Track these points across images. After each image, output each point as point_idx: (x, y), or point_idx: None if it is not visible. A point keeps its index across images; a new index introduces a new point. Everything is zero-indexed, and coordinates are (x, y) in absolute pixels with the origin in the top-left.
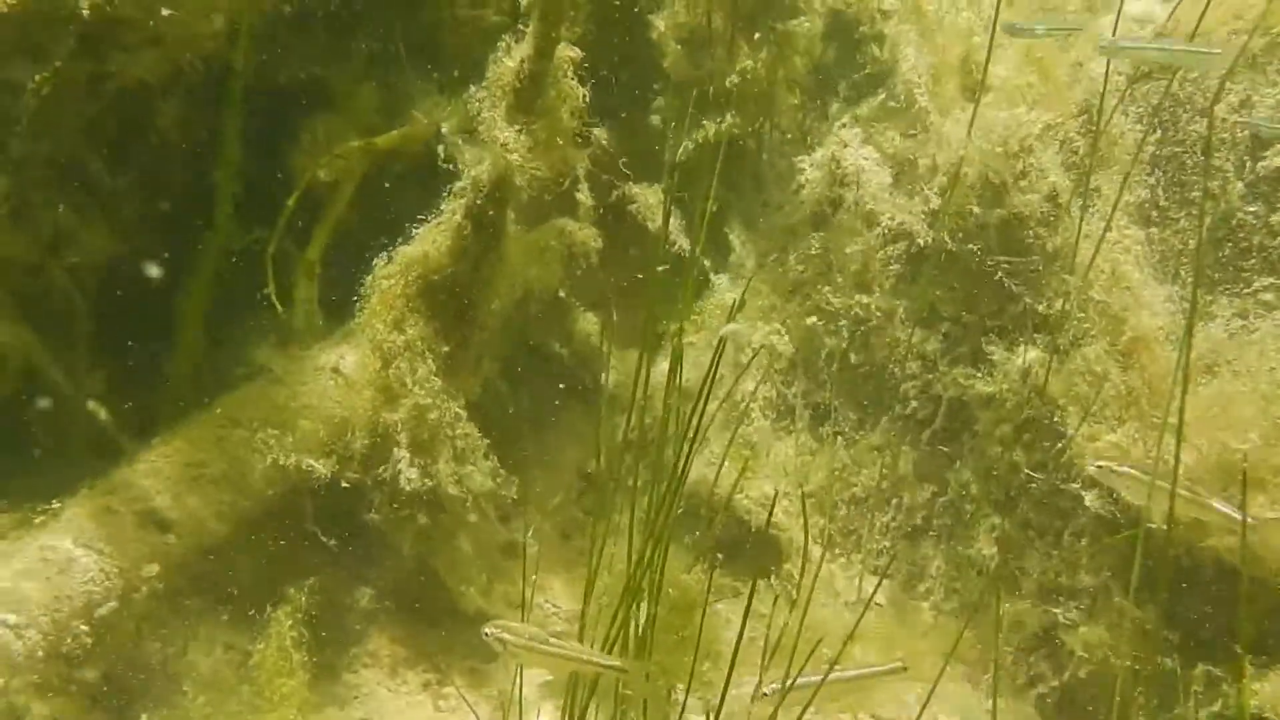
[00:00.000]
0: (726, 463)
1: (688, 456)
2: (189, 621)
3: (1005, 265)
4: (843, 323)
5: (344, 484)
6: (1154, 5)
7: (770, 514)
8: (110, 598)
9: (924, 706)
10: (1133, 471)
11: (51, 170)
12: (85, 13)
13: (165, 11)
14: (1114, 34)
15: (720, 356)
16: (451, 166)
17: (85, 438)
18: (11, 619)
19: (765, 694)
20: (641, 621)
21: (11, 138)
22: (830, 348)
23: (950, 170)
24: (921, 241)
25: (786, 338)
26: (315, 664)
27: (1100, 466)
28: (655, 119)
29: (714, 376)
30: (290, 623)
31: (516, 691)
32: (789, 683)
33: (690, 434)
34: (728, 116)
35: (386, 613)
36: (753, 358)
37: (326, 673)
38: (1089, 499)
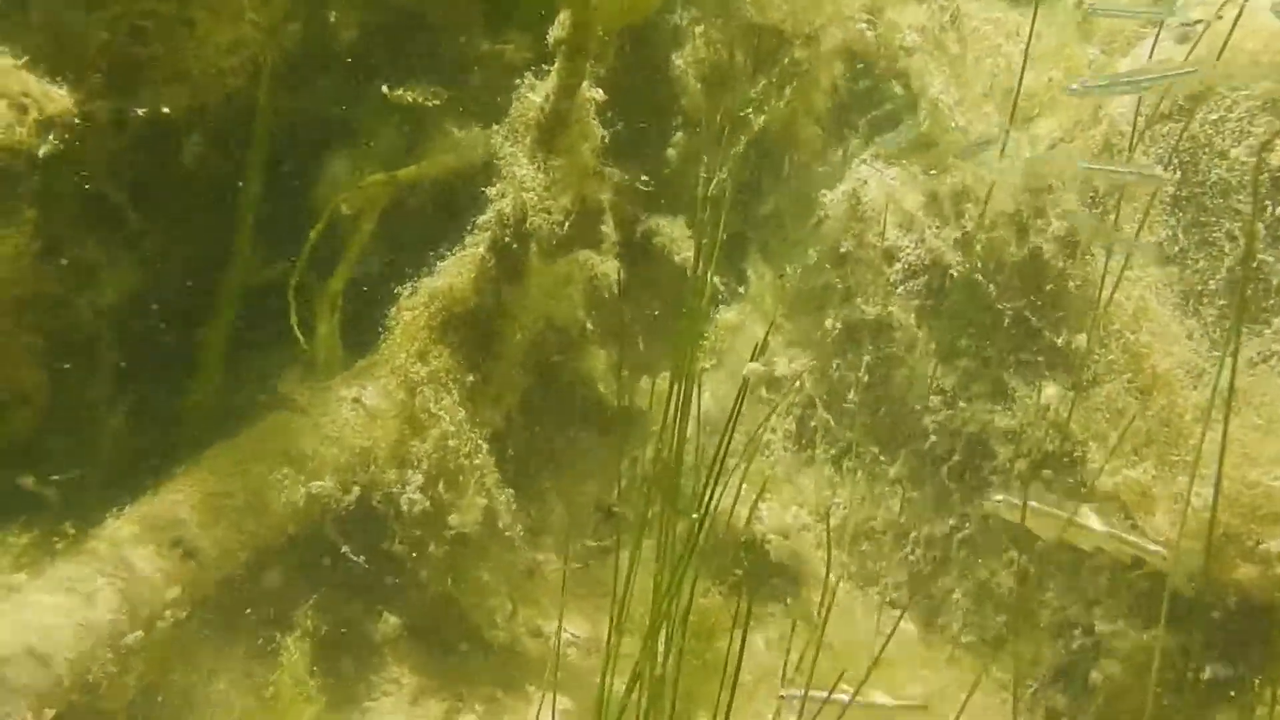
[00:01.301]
0: (746, 493)
1: (711, 492)
2: (212, 650)
3: (1027, 300)
4: (864, 357)
5: (365, 514)
6: (1171, 48)
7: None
8: (135, 627)
9: None
10: (1037, 505)
11: (77, 205)
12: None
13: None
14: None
15: (744, 395)
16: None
17: (108, 468)
18: (38, 648)
19: (782, 696)
20: (666, 651)
21: (38, 172)
22: (850, 381)
23: (979, 200)
24: (954, 272)
25: (809, 367)
26: (335, 691)
27: (1000, 501)
28: (672, 153)
29: (737, 414)
30: (305, 650)
31: None
32: (807, 692)
33: (714, 467)
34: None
35: (407, 641)
36: (782, 397)
37: (347, 700)
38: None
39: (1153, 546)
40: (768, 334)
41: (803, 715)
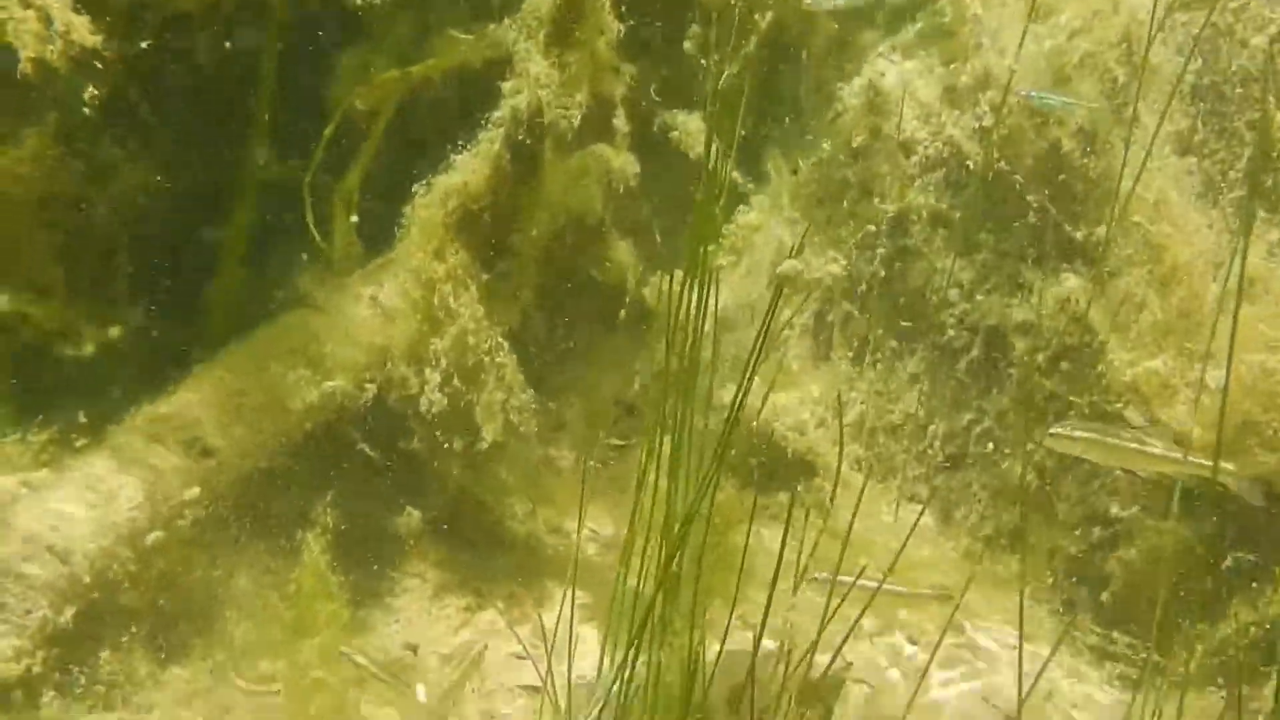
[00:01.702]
0: (763, 389)
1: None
2: (233, 548)
3: (1045, 192)
4: (881, 251)
5: (384, 412)
6: None
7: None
8: (155, 525)
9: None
10: (1088, 435)
11: (95, 106)
12: None
13: None
14: None
15: (779, 298)
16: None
17: (126, 367)
18: (59, 546)
19: (815, 578)
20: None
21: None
22: (868, 276)
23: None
24: (971, 164)
25: (840, 263)
26: (355, 588)
27: (1060, 431)
28: (689, 46)
29: (771, 318)
30: (327, 547)
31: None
32: (835, 576)
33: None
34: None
35: (428, 538)
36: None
37: (368, 597)
38: (1129, 417)
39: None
40: (804, 235)
41: (830, 596)
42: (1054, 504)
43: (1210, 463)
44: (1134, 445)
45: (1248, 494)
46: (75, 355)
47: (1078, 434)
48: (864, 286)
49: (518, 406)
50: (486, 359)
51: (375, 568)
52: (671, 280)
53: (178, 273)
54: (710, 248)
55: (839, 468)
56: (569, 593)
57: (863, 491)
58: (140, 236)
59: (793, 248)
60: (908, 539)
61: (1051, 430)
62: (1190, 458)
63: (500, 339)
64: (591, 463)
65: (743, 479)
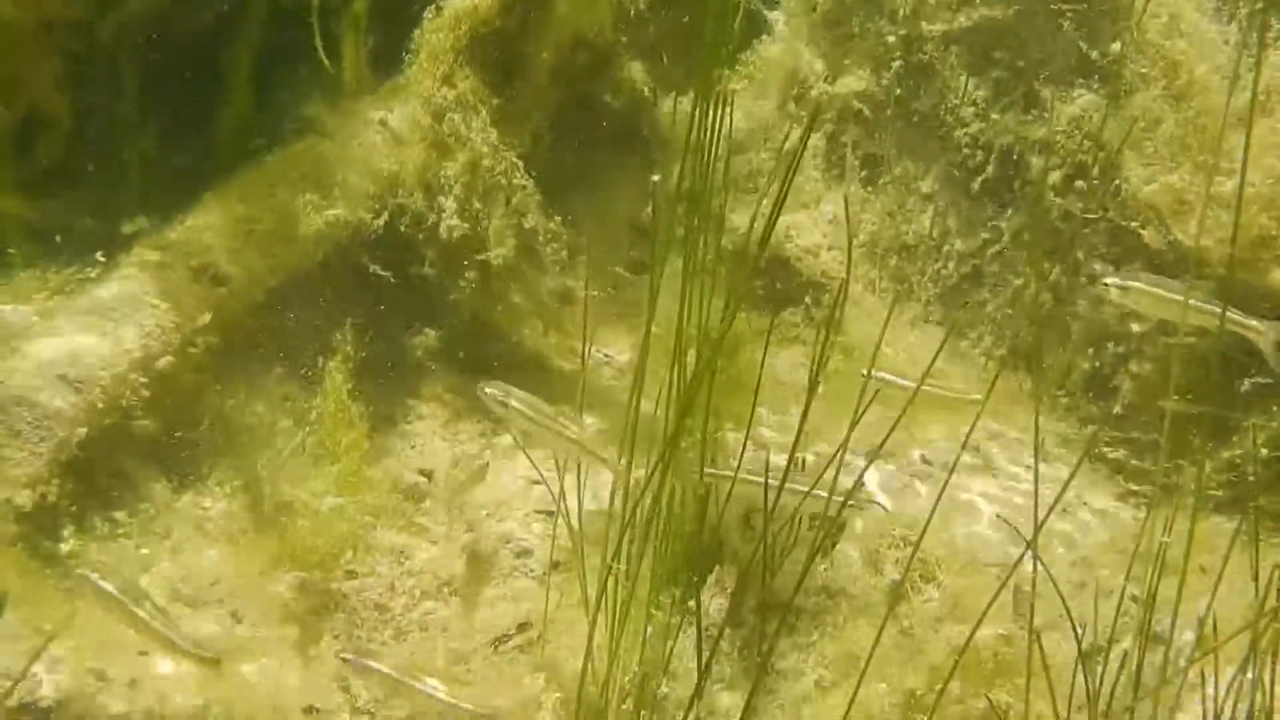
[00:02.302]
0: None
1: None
2: (248, 375)
3: (1061, 7)
4: (895, 66)
5: (396, 239)
6: None
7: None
8: (167, 352)
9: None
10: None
11: None
12: None
13: None
14: None
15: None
16: None
17: (136, 195)
18: (71, 374)
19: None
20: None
21: None
22: (881, 95)
23: None
24: None
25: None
26: (372, 415)
27: (1110, 282)
28: None
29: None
30: (345, 375)
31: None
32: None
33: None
34: None
35: (442, 364)
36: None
37: (384, 423)
38: (1146, 236)
39: (1255, 323)
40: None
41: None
42: (1069, 323)
43: (1250, 319)
44: (1177, 298)
45: (1273, 360)
46: (84, 184)
47: (1130, 284)
48: (878, 107)
49: (532, 230)
50: (502, 180)
51: (391, 394)
52: (678, 102)
53: (187, 100)
54: (724, 70)
55: (845, 282)
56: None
57: (890, 315)
58: (148, 62)
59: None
60: (937, 355)
61: (1104, 280)
62: (1236, 314)
63: (515, 160)
64: (596, 292)
65: (754, 302)
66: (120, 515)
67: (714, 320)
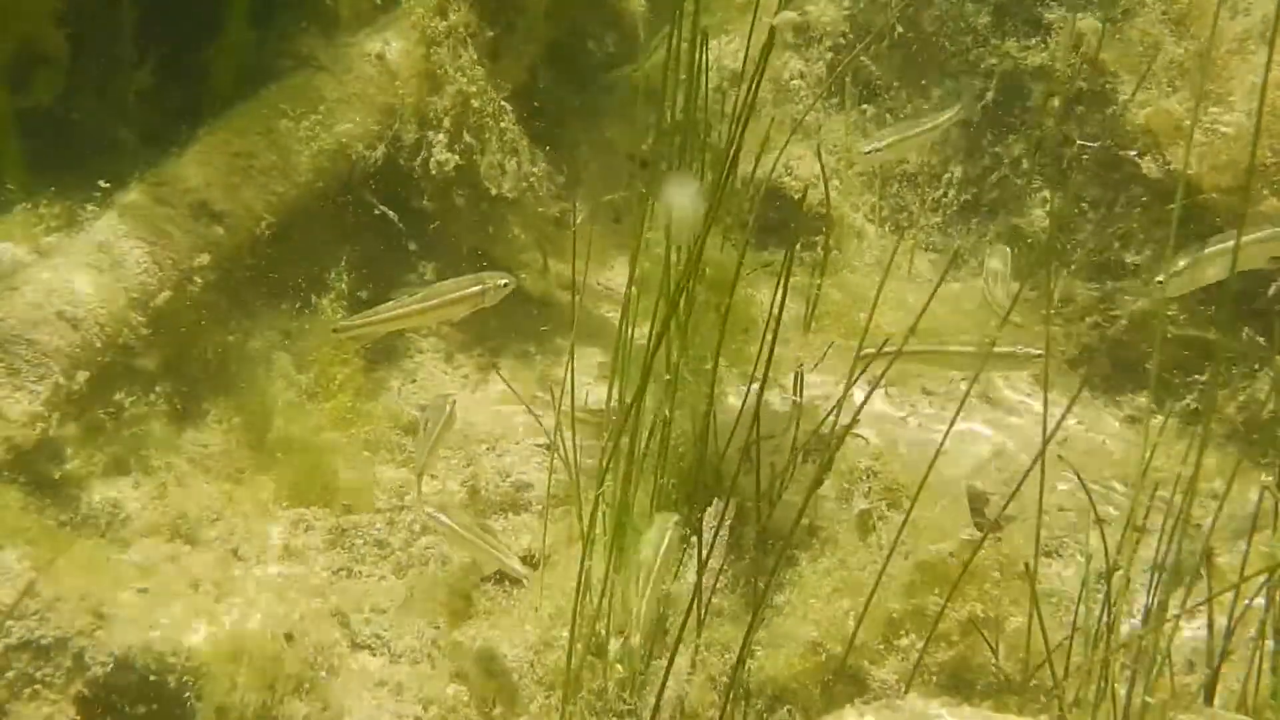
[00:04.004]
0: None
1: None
2: (247, 311)
3: None
4: None
5: (395, 172)
6: None
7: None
8: (164, 288)
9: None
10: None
11: None
12: None
13: None
14: None
15: (771, 45)
16: None
17: (134, 130)
18: (68, 311)
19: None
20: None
21: None
22: (880, 22)
23: None
24: None
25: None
26: (371, 350)
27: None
28: None
29: (764, 68)
30: (340, 308)
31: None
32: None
33: (739, 113)
34: None
35: None
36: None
37: (384, 358)
38: (1145, 166)
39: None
40: None
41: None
42: (1069, 252)
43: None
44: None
45: None
46: (81, 120)
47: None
48: (877, 34)
49: (529, 161)
50: (496, 112)
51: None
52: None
53: (183, 33)
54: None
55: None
56: (581, 349)
57: (894, 252)
58: None
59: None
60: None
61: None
62: None
63: (504, 99)
64: (608, 220)
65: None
66: (119, 452)
67: (712, 255)
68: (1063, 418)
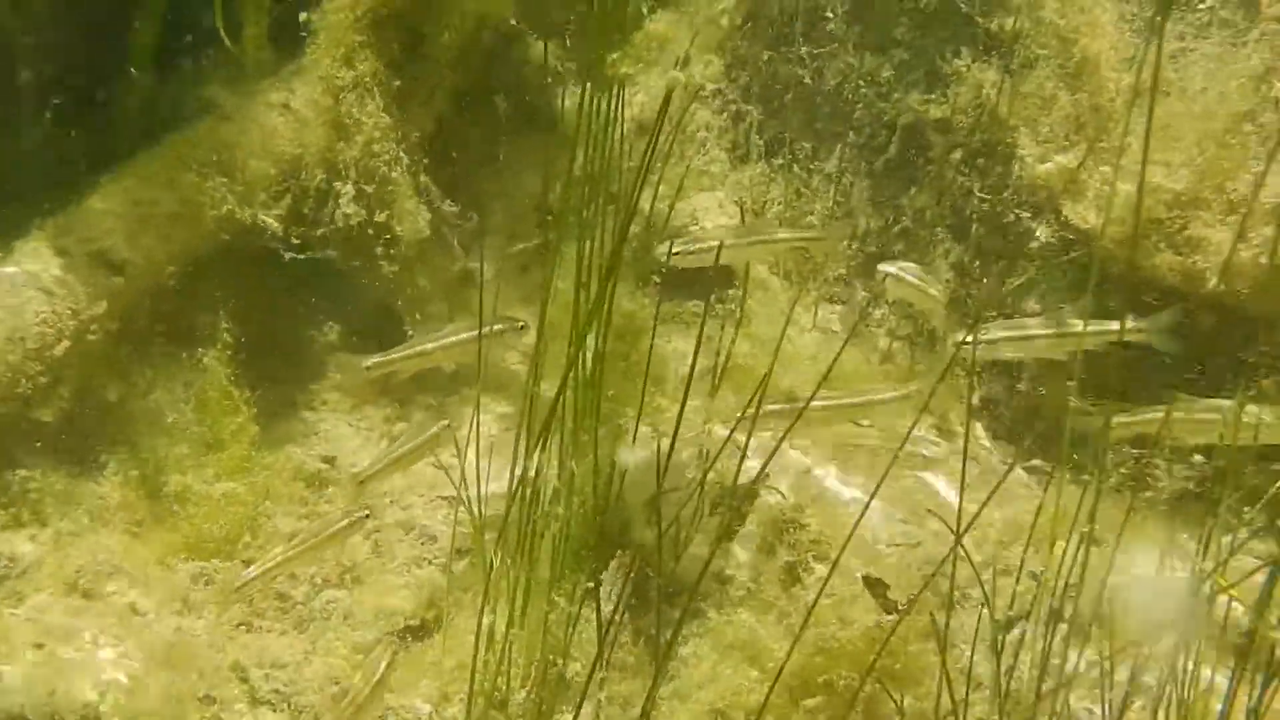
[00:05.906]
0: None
1: (639, 185)
2: (147, 361)
3: None
4: (797, 51)
5: (299, 221)
6: None
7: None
8: (63, 338)
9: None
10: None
11: None
12: None
13: None
14: None
15: (669, 102)
16: None
17: (35, 177)
18: None
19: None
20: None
21: None
22: (783, 76)
23: None
24: None
25: (715, 64)
26: (270, 400)
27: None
28: None
29: (663, 122)
30: (224, 362)
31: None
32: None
33: (642, 165)
34: None
35: (346, 349)
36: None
37: (286, 409)
38: (1038, 230)
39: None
40: (691, 42)
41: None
42: (970, 302)
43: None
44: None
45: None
46: None
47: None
48: (780, 87)
49: (435, 213)
50: (403, 163)
51: (293, 380)
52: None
53: (85, 80)
54: (614, 55)
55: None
56: (486, 401)
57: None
58: (44, 43)
59: (678, 60)
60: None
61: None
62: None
63: (408, 149)
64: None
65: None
66: (16, 508)
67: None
68: (979, 510)
